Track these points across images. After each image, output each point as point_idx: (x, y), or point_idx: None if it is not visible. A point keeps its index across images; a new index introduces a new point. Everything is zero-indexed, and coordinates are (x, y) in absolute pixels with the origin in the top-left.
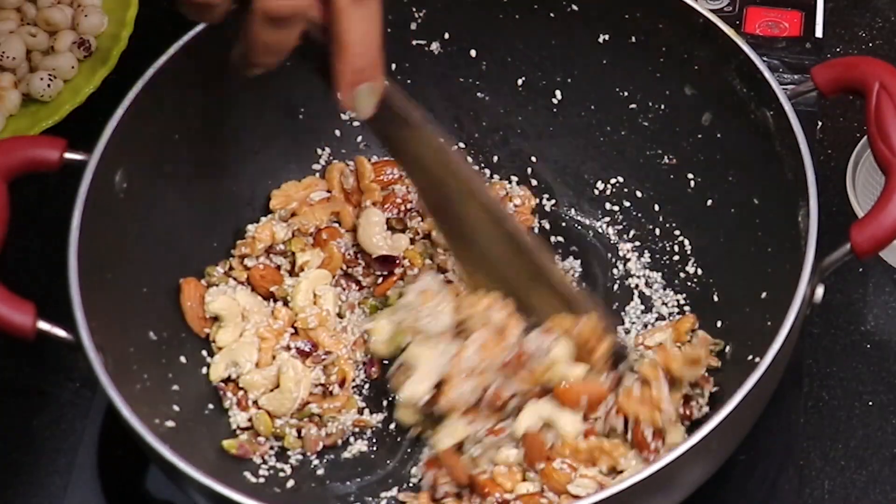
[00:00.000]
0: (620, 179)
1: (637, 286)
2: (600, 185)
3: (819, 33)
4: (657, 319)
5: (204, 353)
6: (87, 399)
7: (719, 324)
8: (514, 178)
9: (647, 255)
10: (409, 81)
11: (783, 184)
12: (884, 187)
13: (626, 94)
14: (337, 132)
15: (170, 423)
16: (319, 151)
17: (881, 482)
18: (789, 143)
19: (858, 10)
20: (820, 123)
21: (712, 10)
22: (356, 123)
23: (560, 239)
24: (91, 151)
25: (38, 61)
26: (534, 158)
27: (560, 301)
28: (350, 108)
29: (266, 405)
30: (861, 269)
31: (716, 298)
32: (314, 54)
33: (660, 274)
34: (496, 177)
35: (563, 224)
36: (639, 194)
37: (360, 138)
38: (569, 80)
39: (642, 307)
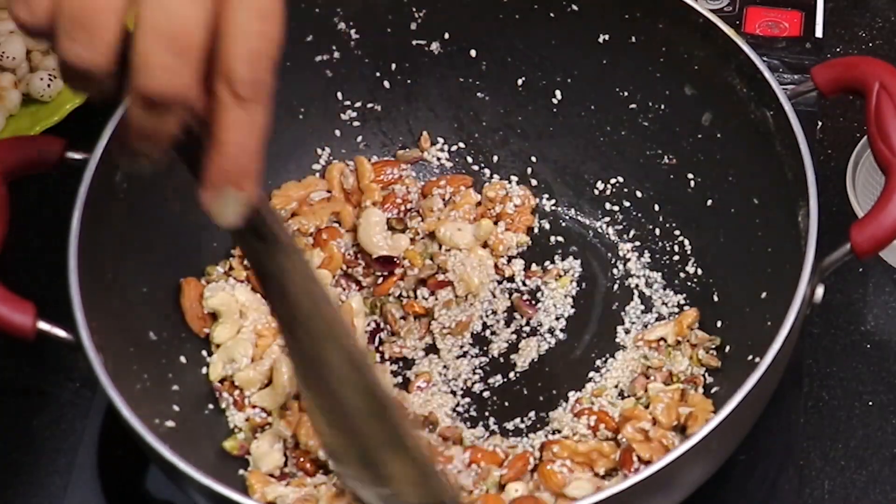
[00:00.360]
0: (620, 179)
1: (637, 286)
2: (600, 185)
3: (819, 33)
4: (657, 319)
5: (204, 353)
6: (87, 399)
7: (719, 324)
8: (514, 178)
9: (646, 255)
10: (408, 81)
11: (783, 184)
12: (884, 187)
13: (626, 94)
14: (337, 132)
15: (170, 423)
16: (319, 151)
17: (881, 482)
18: (789, 143)
19: (858, 10)
20: (820, 123)
21: (712, 10)
22: (356, 123)
23: (560, 239)
24: (91, 151)
25: (39, 61)
26: (534, 158)
27: (416, 472)
28: (210, 211)
29: (259, 402)
30: (861, 269)
31: (716, 298)
32: (190, 149)
33: (660, 274)
34: (496, 177)
35: (563, 224)
36: (639, 194)
37: (360, 138)
38: (569, 80)
39: (642, 307)
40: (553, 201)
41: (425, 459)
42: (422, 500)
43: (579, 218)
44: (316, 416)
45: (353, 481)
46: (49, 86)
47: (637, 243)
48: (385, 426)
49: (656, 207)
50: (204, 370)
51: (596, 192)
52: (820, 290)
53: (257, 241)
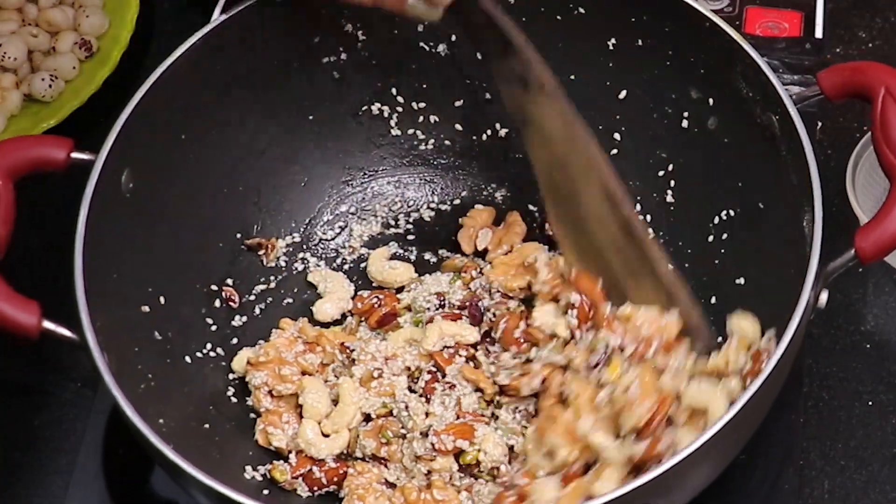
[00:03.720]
0: (625, 182)
1: None
2: None
3: (819, 34)
4: None
5: (207, 352)
6: (88, 398)
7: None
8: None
9: None
10: (416, 83)
11: (788, 188)
12: (888, 193)
13: (631, 96)
14: (344, 133)
15: (173, 424)
16: (325, 152)
17: (881, 482)
18: (794, 147)
19: (858, 10)
20: (820, 124)
21: (712, 11)
22: (363, 124)
23: None
24: (96, 151)
25: (40, 62)
26: None
27: (661, 294)
28: None
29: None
30: (861, 270)
31: (718, 303)
32: None
33: None
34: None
35: None
36: (643, 197)
37: (367, 139)
38: (575, 83)
39: None
40: None
41: (673, 286)
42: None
43: None
44: (568, 250)
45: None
46: (50, 86)
47: None
48: (637, 256)
49: (661, 210)
50: (208, 370)
51: None
52: (824, 296)
53: (522, 87)
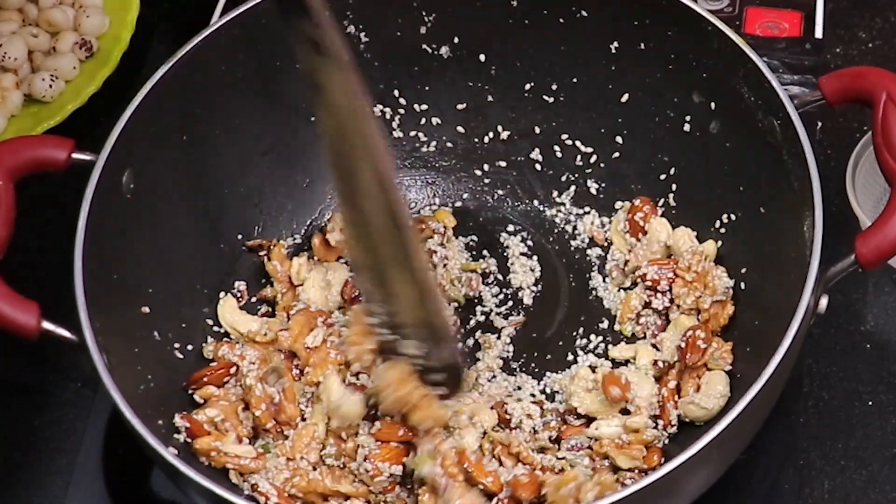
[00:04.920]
0: (626, 184)
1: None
2: (606, 190)
3: (819, 34)
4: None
5: (208, 354)
6: (88, 398)
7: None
8: (521, 181)
9: None
10: (418, 85)
11: (789, 192)
12: (889, 198)
13: (633, 100)
14: None
15: (172, 424)
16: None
17: (881, 482)
18: (796, 152)
19: (858, 10)
20: (820, 124)
21: (712, 11)
22: None
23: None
24: (97, 152)
25: (40, 62)
26: (540, 164)
27: (418, 294)
28: None
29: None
30: (861, 270)
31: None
32: None
33: None
34: (502, 181)
35: (566, 227)
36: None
37: None
38: (577, 86)
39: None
40: (559, 205)
41: (428, 285)
42: (416, 320)
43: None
44: (348, 228)
45: (366, 297)
46: (51, 86)
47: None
48: (398, 245)
49: (662, 213)
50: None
51: (601, 197)
52: (824, 301)
53: (315, 51)
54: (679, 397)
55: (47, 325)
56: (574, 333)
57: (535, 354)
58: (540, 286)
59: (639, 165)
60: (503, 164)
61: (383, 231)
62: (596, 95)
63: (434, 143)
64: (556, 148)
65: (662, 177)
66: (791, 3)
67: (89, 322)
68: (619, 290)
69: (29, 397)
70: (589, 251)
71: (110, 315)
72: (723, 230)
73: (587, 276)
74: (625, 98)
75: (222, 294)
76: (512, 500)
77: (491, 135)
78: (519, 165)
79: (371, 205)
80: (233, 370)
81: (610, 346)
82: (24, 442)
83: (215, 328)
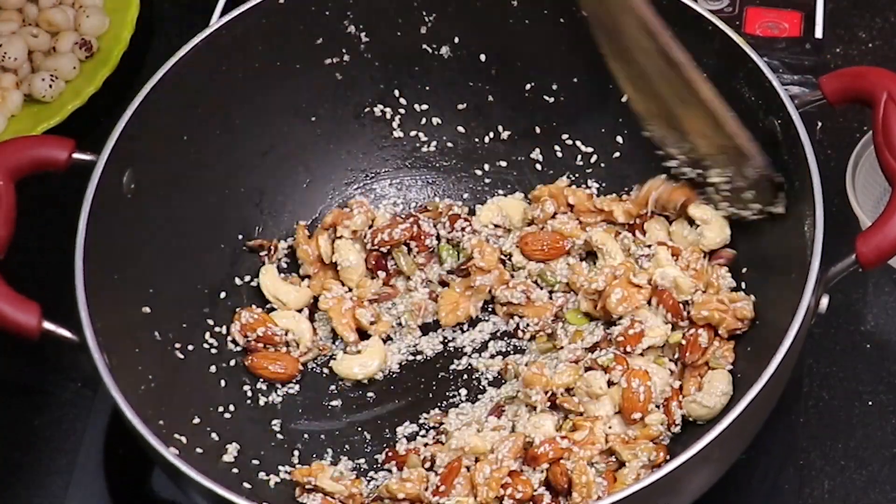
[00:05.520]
0: (628, 185)
1: None
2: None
3: (819, 34)
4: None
5: (208, 353)
6: (88, 398)
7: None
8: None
9: None
10: (418, 85)
11: (790, 192)
12: (889, 198)
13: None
14: (346, 134)
15: (174, 425)
16: (328, 153)
17: (881, 482)
18: (796, 152)
19: (858, 10)
20: (820, 124)
21: (712, 11)
22: (365, 125)
23: None
24: (97, 152)
25: (40, 62)
26: (540, 164)
27: (709, 121)
28: None
29: None
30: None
31: None
32: None
33: None
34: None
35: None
36: None
37: (369, 140)
38: (578, 85)
39: None
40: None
41: (718, 111)
42: (713, 149)
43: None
44: (627, 85)
45: (664, 141)
46: (51, 86)
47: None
48: (680, 83)
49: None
50: (207, 371)
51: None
52: (824, 301)
53: None
54: (682, 396)
55: (48, 325)
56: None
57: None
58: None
59: (639, 165)
60: (504, 163)
61: (661, 74)
62: (596, 95)
63: (434, 142)
64: (557, 148)
65: (663, 177)
66: (791, 3)
67: (90, 322)
68: None
69: (29, 397)
70: None
71: (111, 315)
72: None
73: None
74: (625, 98)
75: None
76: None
77: (491, 135)
78: (519, 165)
79: (643, 54)
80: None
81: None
82: (24, 442)
83: (216, 328)
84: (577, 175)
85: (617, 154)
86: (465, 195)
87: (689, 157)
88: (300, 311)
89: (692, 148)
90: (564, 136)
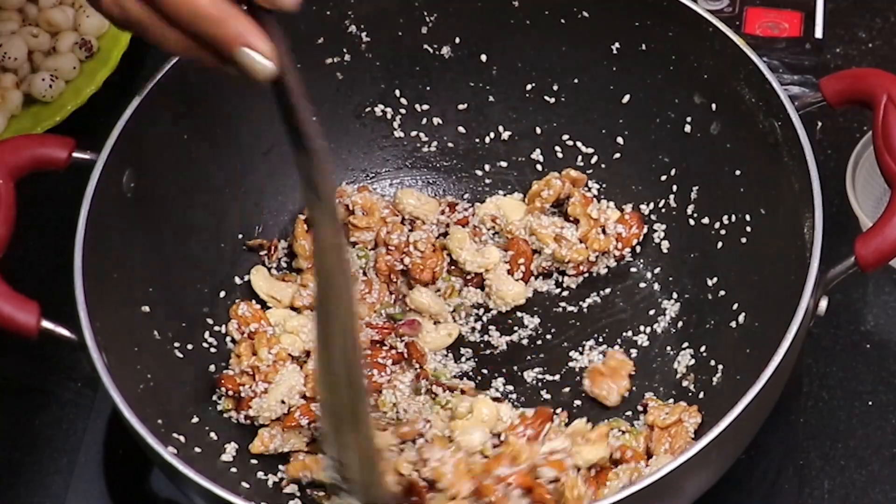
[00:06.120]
0: (627, 186)
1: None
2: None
3: (819, 34)
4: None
5: (208, 353)
6: (88, 398)
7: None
8: (522, 181)
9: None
10: (419, 85)
11: (789, 194)
12: (889, 200)
13: (634, 100)
14: (347, 135)
15: (172, 424)
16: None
17: (881, 482)
18: (796, 154)
19: (858, 10)
20: (820, 124)
21: (712, 11)
22: (367, 126)
23: None
24: (97, 151)
25: (40, 62)
26: (541, 164)
27: (361, 455)
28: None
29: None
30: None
31: (719, 307)
32: None
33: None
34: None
35: None
36: (645, 202)
37: (369, 140)
38: (578, 87)
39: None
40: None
41: (370, 453)
42: (359, 481)
43: None
44: (318, 364)
45: (323, 439)
46: (51, 86)
47: (639, 248)
48: (351, 404)
49: (662, 214)
50: (207, 371)
51: (602, 197)
52: (823, 303)
53: (312, 193)
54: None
55: (47, 324)
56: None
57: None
58: None
59: (640, 166)
60: (504, 164)
61: (341, 383)
62: (597, 96)
63: (435, 143)
64: (557, 148)
65: (663, 178)
66: (791, 3)
67: (89, 321)
68: None
69: (29, 397)
70: None
71: (110, 314)
72: (723, 231)
73: None
74: (626, 99)
75: (254, 266)
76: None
77: (492, 135)
78: (520, 166)
79: (337, 353)
80: None
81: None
82: (24, 442)
83: (216, 328)
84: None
85: (617, 155)
86: (466, 195)
87: (340, 468)
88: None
89: (345, 465)
90: (565, 137)
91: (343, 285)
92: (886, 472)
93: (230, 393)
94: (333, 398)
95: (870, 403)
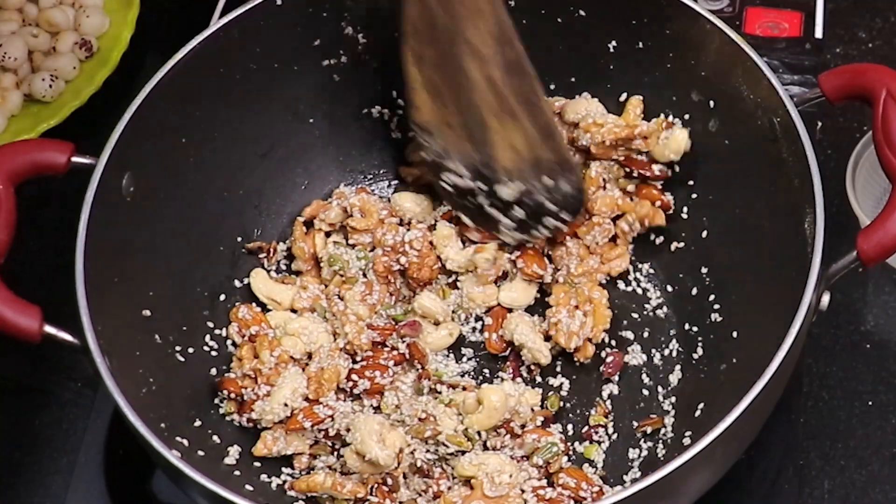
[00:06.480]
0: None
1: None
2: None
3: (819, 34)
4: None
5: (209, 355)
6: (88, 399)
7: (724, 330)
8: None
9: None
10: None
11: (790, 190)
12: (890, 194)
13: (633, 99)
14: (344, 136)
15: (175, 427)
16: (326, 154)
17: (881, 482)
18: (796, 150)
19: (858, 10)
20: (820, 124)
21: (712, 11)
22: (364, 126)
23: None
24: (97, 154)
25: (40, 62)
26: None
27: (531, 133)
28: None
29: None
30: (861, 270)
31: (719, 305)
32: None
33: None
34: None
35: None
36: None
37: (367, 141)
38: (576, 85)
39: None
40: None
41: (554, 123)
42: (520, 162)
43: None
44: (422, 94)
45: (445, 153)
46: (51, 86)
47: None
48: (511, 94)
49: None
50: (208, 373)
51: None
52: (826, 298)
53: None
54: None
55: (49, 328)
56: None
57: None
58: None
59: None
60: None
61: (489, 84)
62: (594, 95)
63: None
64: None
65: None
66: (791, 3)
67: (91, 325)
68: None
69: (29, 397)
70: None
71: (111, 318)
72: (721, 228)
73: None
74: (623, 97)
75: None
76: None
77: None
78: None
79: (478, 62)
80: None
81: None
82: (24, 442)
83: (217, 331)
84: None
85: None
86: None
87: (476, 170)
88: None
89: (487, 161)
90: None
91: None
92: (886, 472)
93: (232, 396)
94: (471, 107)
95: (870, 403)
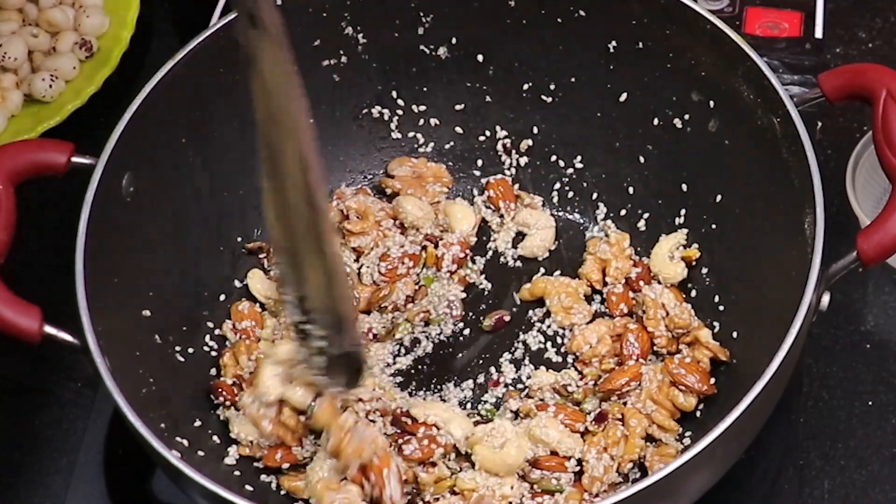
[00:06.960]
0: (626, 185)
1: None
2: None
3: (819, 34)
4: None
5: (209, 356)
6: (88, 398)
7: (723, 331)
8: (519, 182)
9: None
10: (416, 86)
11: (790, 190)
12: (890, 194)
13: (632, 99)
14: (344, 136)
15: (175, 427)
16: (326, 154)
17: (881, 482)
18: (796, 149)
19: (858, 10)
20: (820, 124)
21: (712, 11)
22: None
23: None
24: (97, 154)
25: (40, 62)
26: (539, 162)
27: (326, 279)
28: None
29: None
30: (861, 270)
31: (721, 306)
32: None
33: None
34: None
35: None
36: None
37: (366, 142)
38: (575, 85)
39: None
40: (556, 205)
41: (336, 270)
42: (324, 304)
43: (581, 220)
44: (269, 206)
45: (282, 280)
46: (51, 86)
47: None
48: (311, 227)
49: (663, 212)
50: (208, 373)
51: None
52: (826, 298)
53: (251, 26)
54: None
55: (49, 329)
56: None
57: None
58: None
59: (636, 165)
60: (502, 163)
61: (300, 212)
62: (594, 95)
63: (432, 143)
64: (554, 147)
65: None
66: (791, 3)
67: (91, 325)
68: None
69: (29, 397)
70: None
71: (111, 318)
72: (721, 228)
73: None
74: (623, 97)
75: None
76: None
77: (489, 135)
78: (518, 165)
79: (291, 185)
80: None
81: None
82: (24, 442)
83: (217, 331)
84: (574, 177)
85: (615, 153)
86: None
87: (300, 304)
88: None
89: (304, 296)
90: (563, 137)
91: (288, 105)
92: (886, 472)
93: (227, 404)
94: (288, 227)
95: (870, 403)
